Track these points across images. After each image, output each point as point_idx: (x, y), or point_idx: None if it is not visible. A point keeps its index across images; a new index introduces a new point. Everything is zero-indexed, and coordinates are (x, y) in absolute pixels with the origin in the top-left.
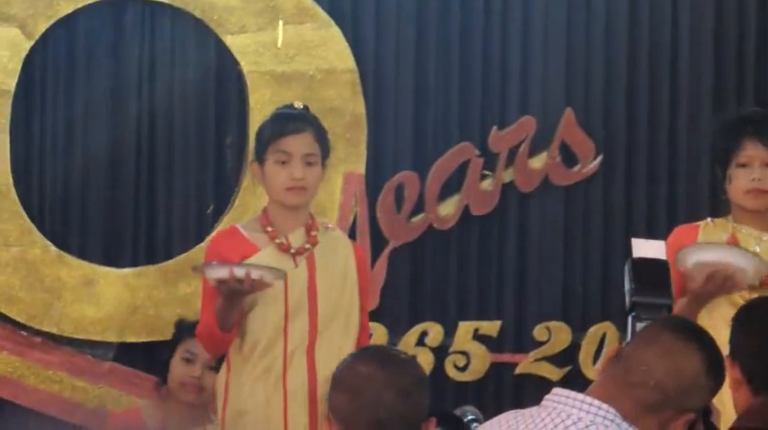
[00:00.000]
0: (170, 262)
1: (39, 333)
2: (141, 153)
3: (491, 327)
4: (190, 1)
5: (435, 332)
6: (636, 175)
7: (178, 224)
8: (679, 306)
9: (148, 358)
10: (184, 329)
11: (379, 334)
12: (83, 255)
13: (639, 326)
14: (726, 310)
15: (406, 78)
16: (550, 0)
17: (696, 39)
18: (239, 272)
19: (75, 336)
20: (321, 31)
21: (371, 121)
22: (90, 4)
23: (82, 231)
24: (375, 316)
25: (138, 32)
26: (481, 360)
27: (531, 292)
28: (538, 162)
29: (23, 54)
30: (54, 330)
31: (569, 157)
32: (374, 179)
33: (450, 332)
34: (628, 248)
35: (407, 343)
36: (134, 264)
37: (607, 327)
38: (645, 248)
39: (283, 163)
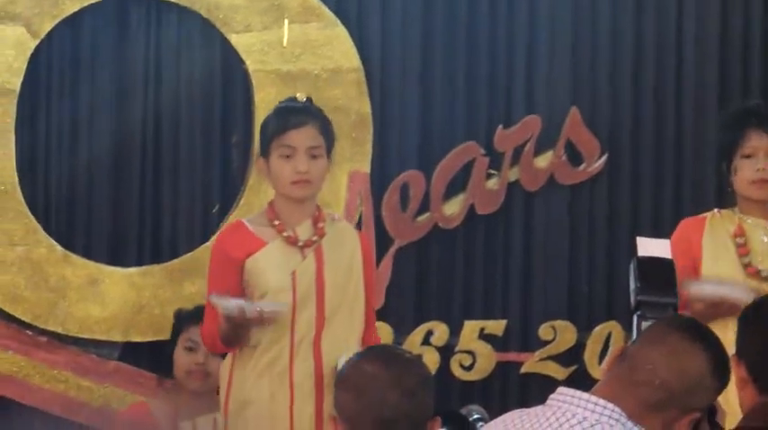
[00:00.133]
0: (175, 261)
1: (44, 332)
2: (146, 152)
3: (496, 327)
4: (195, 0)
5: (441, 331)
6: (641, 174)
7: (183, 223)
8: None
9: (154, 357)
10: (183, 319)
11: (384, 333)
12: (88, 254)
13: (645, 325)
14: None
15: (412, 77)
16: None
17: (701, 39)
18: (250, 313)
19: (81, 336)
20: (327, 31)
21: (377, 120)
22: (95, 3)
23: (87, 231)
24: (380, 315)
25: (143, 31)
26: (487, 359)
27: (536, 292)
28: (543, 161)
29: (29, 53)
30: (59, 329)
31: (575, 156)
32: (379, 178)
33: (455, 331)
34: (633, 247)
35: (413, 342)
36: (139, 263)
37: (612, 327)
38: (650, 247)
39: (288, 157)
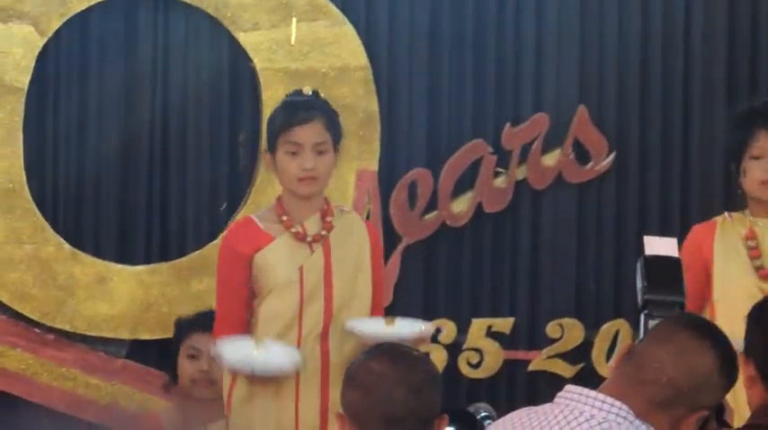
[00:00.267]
0: (183, 259)
1: (52, 330)
2: (154, 150)
3: (504, 324)
4: None
5: (448, 329)
6: (649, 173)
7: (191, 221)
8: None
9: (161, 355)
10: (184, 326)
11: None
12: (96, 252)
13: (652, 323)
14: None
15: (420, 76)
16: None
17: (709, 36)
18: (260, 373)
19: (89, 334)
20: (334, 29)
21: (384, 119)
22: (103, 2)
23: (95, 229)
24: (388, 313)
25: (151, 30)
26: (494, 357)
27: (544, 289)
28: (551, 159)
29: (37, 51)
30: (67, 327)
31: (582, 155)
32: (387, 176)
33: (463, 329)
34: (640, 246)
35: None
36: (147, 261)
37: (620, 325)
38: (657, 245)
39: (294, 153)
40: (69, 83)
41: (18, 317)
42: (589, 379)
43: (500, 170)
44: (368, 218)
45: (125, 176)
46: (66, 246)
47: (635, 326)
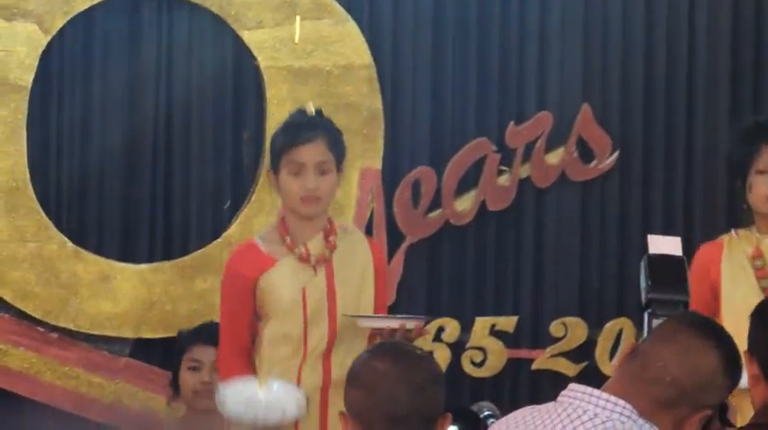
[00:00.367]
0: (187, 257)
1: (55, 329)
2: (158, 149)
3: (508, 323)
4: None
5: (452, 328)
6: (653, 171)
7: (195, 220)
8: None
9: (165, 354)
10: (186, 339)
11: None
12: (99, 250)
13: (656, 322)
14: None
15: (423, 74)
16: None
17: (713, 35)
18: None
19: (92, 332)
20: (338, 27)
21: (388, 117)
22: (107, 0)
23: (98, 227)
24: (391, 311)
25: (155, 28)
26: (498, 355)
27: (547, 288)
28: (554, 157)
29: (40, 50)
30: (70, 326)
31: (586, 153)
32: (391, 174)
33: (466, 328)
34: (644, 244)
35: (424, 338)
36: (150, 259)
37: (623, 323)
38: (661, 244)
39: (296, 173)
40: (73, 81)
41: (21, 315)
42: (592, 377)
43: (504, 168)
44: (371, 215)
45: (128, 175)
46: (70, 244)
47: (638, 325)
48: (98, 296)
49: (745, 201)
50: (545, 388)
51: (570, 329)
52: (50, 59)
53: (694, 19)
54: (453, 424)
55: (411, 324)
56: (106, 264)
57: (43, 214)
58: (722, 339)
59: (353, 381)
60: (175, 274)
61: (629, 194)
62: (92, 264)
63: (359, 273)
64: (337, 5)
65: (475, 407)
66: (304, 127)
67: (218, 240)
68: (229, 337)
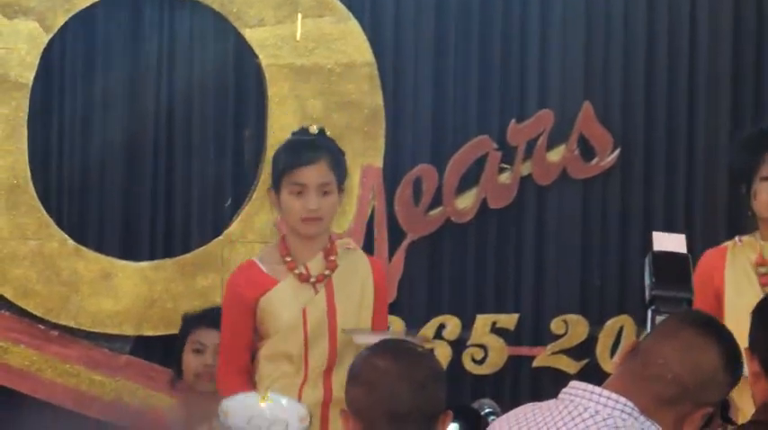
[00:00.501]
0: (188, 255)
1: (56, 326)
2: (159, 146)
3: (508, 321)
4: None
5: (453, 325)
6: (654, 169)
7: (196, 217)
8: None
9: (165, 351)
10: (191, 322)
11: (396, 327)
12: (100, 248)
13: (659, 319)
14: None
15: (425, 72)
16: None
17: (714, 33)
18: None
19: (93, 330)
20: (340, 25)
21: (390, 115)
22: None
23: (99, 225)
24: (393, 309)
25: (156, 25)
26: (499, 353)
27: (548, 285)
28: (556, 155)
29: (41, 47)
30: (71, 324)
31: (587, 151)
32: (392, 172)
33: (467, 325)
34: (645, 241)
35: (425, 336)
36: (151, 257)
37: (624, 321)
38: (666, 241)
39: (298, 193)
40: (74, 79)
41: (22, 313)
42: (593, 375)
43: (505, 166)
44: (372, 213)
45: (129, 172)
46: (71, 242)
47: (639, 323)
48: (99, 294)
49: (749, 207)
50: (546, 385)
51: (571, 327)
52: (51, 57)
53: (695, 16)
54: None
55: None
56: (107, 262)
57: (44, 212)
58: (723, 337)
59: (355, 379)
60: (176, 272)
61: (630, 192)
62: (93, 261)
63: (359, 291)
64: (339, 3)
65: (476, 405)
66: (306, 147)
67: (220, 238)
68: (229, 355)
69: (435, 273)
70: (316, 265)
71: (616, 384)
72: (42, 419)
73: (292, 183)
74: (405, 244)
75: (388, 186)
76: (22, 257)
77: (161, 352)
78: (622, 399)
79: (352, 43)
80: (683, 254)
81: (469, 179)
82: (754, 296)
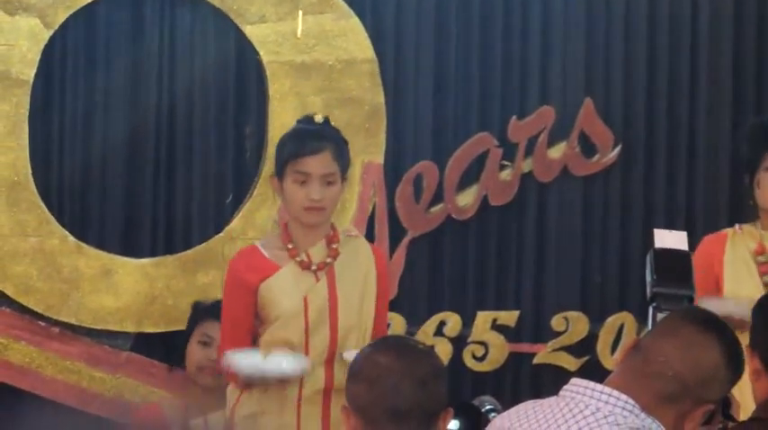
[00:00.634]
0: (189, 251)
1: (57, 323)
2: (160, 143)
3: (509, 317)
4: None
5: (454, 322)
6: (655, 165)
7: (197, 214)
8: None
9: (166, 348)
10: (201, 312)
11: (397, 323)
12: (101, 245)
13: (660, 316)
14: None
15: (426, 68)
16: None
17: (716, 29)
18: (271, 376)
19: (94, 327)
20: (341, 22)
21: (390, 111)
22: None
23: (100, 221)
24: (393, 306)
25: (157, 22)
26: (499, 350)
27: (549, 282)
28: (557, 152)
29: (42, 44)
30: (72, 320)
31: (588, 147)
32: (393, 169)
33: (468, 322)
34: (646, 238)
35: (426, 333)
36: (152, 253)
37: (625, 317)
38: (667, 239)
39: (302, 182)
40: (75, 76)
41: (23, 310)
42: (594, 372)
43: (506, 163)
44: (373, 210)
45: (130, 169)
46: (71, 238)
47: (640, 320)
48: (100, 290)
49: (751, 197)
50: (546, 382)
51: (572, 324)
52: (52, 54)
53: (697, 13)
54: (455, 418)
55: None
56: (108, 259)
57: (45, 208)
58: (724, 334)
59: (356, 376)
60: (177, 269)
61: (631, 189)
62: (93, 258)
63: (361, 279)
64: (340, 0)
65: (476, 402)
66: (311, 137)
67: (221, 235)
68: (230, 338)
69: (436, 270)
70: (317, 253)
71: (617, 381)
72: (43, 416)
73: (296, 171)
74: (405, 241)
75: (388, 183)
76: (23, 254)
77: (162, 349)
78: (623, 397)
79: (353, 40)
80: (684, 251)
81: (470, 176)
82: (754, 285)
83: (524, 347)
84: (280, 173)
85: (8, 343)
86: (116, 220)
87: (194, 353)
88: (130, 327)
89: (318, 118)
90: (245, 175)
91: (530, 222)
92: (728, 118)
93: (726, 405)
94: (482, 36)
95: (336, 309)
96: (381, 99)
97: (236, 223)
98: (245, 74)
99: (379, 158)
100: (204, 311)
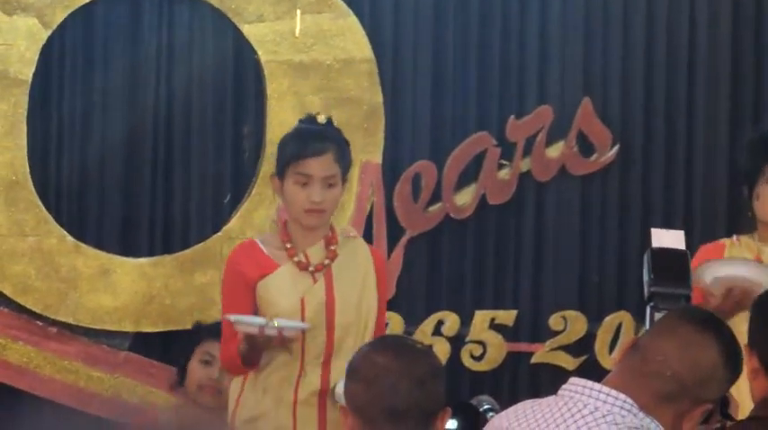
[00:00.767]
0: (187, 251)
1: (55, 323)
2: (158, 143)
3: (507, 317)
4: None
5: (452, 321)
6: (653, 164)
7: (195, 213)
8: None
9: (164, 348)
10: (202, 331)
11: (395, 323)
12: (99, 244)
13: (658, 315)
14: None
15: (424, 68)
16: None
17: (713, 28)
18: (271, 331)
19: (91, 326)
20: (339, 21)
21: (389, 111)
22: None
23: (98, 221)
24: (391, 305)
25: (155, 22)
26: (497, 349)
27: (547, 282)
28: (555, 151)
29: (41, 44)
30: (70, 320)
31: (586, 147)
32: (391, 168)
33: (466, 321)
34: (644, 238)
35: (424, 332)
36: (150, 253)
37: (623, 317)
38: (664, 238)
39: (303, 184)
40: (73, 75)
41: (21, 309)
42: (592, 371)
43: (504, 162)
44: (371, 209)
45: (128, 168)
46: (69, 238)
47: (638, 319)
48: (98, 290)
49: (750, 209)
50: (544, 381)
51: (570, 323)
52: (51, 53)
53: (695, 13)
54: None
55: None
56: (106, 258)
57: (43, 208)
58: (722, 333)
59: (354, 375)
60: (175, 268)
61: (629, 188)
62: (91, 258)
63: (360, 280)
64: None
65: (474, 401)
66: (314, 138)
67: (219, 234)
68: (231, 333)
69: (434, 270)
70: (315, 254)
71: (615, 381)
72: (41, 416)
73: (298, 173)
74: (403, 240)
75: (387, 182)
76: (21, 254)
77: (160, 348)
78: (622, 396)
79: (351, 39)
80: (681, 250)
81: (468, 175)
82: None
83: (522, 347)
84: (281, 173)
85: (6, 342)
86: (114, 220)
87: (195, 371)
88: (128, 327)
89: (321, 118)
90: (244, 175)
91: (528, 221)
92: (726, 118)
93: (724, 404)
94: (480, 35)
95: (333, 311)
96: (379, 98)
97: (234, 223)
98: (243, 73)
99: (378, 158)
100: (206, 331)
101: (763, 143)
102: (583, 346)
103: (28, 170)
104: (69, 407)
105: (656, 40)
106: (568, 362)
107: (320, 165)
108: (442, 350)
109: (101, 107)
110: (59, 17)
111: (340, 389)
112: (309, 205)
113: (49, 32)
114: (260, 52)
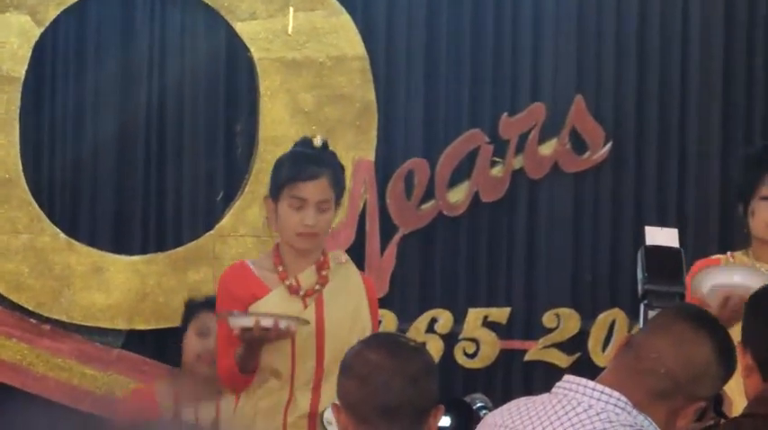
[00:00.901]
0: (179, 249)
1: (48, 320)
2: (151, 140)
3: (500, 314)
4: None
5: (445, 319)
6: (646, 162)
7: (188, 211)
8: None
9: (157, 345)
10: (195, 307)
11: (388, 320)
12: (92, 242)
13: (651, 313)
14: None
15: (417, 65)
16: None
17: (706, 26)
18: (266, 322)
19: (85, 324)
20: (332, 18)
21: (381, 108)
22: None
23: (91, 219)
24: (385, 303)
25: (148, 19)
26: (491, 347)
27: (540, 279)
28: (548, 149)
29: (33, 41)
30: (63, 318)
31: (579, 144)
32: (384, 166)
33: (459, 319)
34: (637, 235)
35: (417, 330)
36: (143, 251)
37: (616, 314)
38: (658, 236)
39: (297, 208)
40: (66, 72)
41: (14, 307)
42: (585, 368)
43: (497, 160)
44: (364, 207)
45: (121, 166)
46: (62, 235)
47: (631, 316)
48: (91, 288)
49: (745, 225)
50: (537, 379)
51: (563, 320)
52: (43, 51)
53: (687, 10)
54: (446, 415)
55: None
56: (99, 256)
57: (36, 206)
58: (716, 331)
59: (346, 372)
60: (168, 266)
61: (622, 186)
62: (85, 255)
63: (352, 306)
64: None
65: (467, 399)
66: (310, 162)
67: (211, 232)
68: (227, 355)
69: (427, 267)
70: (307, 279)
71: (609, 378)
72: (34, 413)
73: (292, 196)
74: (396, 237)
75: (379, 180)
76: (14, 251)
77: (153, 346)
78: (616, 394)
79: (343, 37)
80: (675, 248)
81: (461, 173)
82: None
83: (515, 344)
84: (275, 195)
85: None
86: (107, 218)
87: (193, 344)
88: (122, 325)
89: (317, 141)
90: (236, 173)
91: (521, 219)
92: (718, 114)
93: (718, 401)
94: (473, 33)
95: (323, 336)
96: (372, 96)
97: (226, 220)
98: (235, 71)
99: (370, 155)
100: (198, 305)
101: (758, 160)
102: (576, 344)
103: (21, 168)
104: (62, 405)
105: (648, 37)
106: (562, 359)
107: (315, 189)
108: (435, 347)
109: (93, 105)
110: (52, 14)
111: (329, 414)
112: (302, 229)
113: (42, 30)
114: (253, 49)
